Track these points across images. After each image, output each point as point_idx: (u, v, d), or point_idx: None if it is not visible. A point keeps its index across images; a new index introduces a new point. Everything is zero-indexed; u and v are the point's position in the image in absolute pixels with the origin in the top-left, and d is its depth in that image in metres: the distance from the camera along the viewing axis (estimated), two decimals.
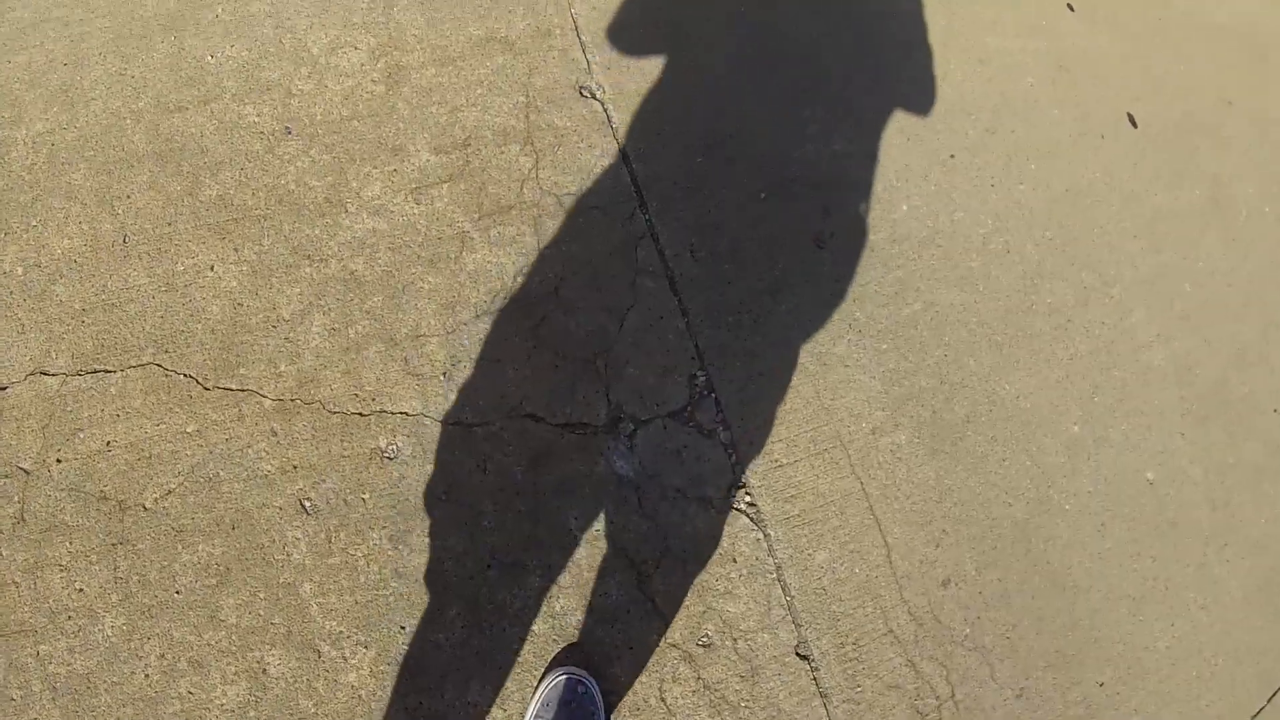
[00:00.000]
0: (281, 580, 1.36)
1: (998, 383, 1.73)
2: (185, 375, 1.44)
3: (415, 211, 1.59)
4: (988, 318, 1.78)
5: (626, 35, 1.79)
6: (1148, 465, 1.79)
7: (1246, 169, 2.18)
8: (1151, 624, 1.66)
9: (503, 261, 1.57)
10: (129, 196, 1.57)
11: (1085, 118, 2.08)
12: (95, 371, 1.43)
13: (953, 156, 1.91)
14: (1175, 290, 1.96)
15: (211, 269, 1.53)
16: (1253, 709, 1.68)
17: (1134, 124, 2.15)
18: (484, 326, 1.52)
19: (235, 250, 1.54)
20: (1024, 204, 1.93)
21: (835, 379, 1.63)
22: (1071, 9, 2.22)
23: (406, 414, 1.46)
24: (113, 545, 1.35)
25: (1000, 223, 1.89)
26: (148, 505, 1.37)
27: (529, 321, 1.54)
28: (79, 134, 1.60)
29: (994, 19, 2.10)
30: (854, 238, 1.75)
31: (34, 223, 1.54)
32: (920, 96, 1.94)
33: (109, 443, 1.39)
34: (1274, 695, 1.70)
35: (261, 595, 1.35)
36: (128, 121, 1.62)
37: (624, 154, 1.69)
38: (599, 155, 1.68)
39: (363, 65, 1.68)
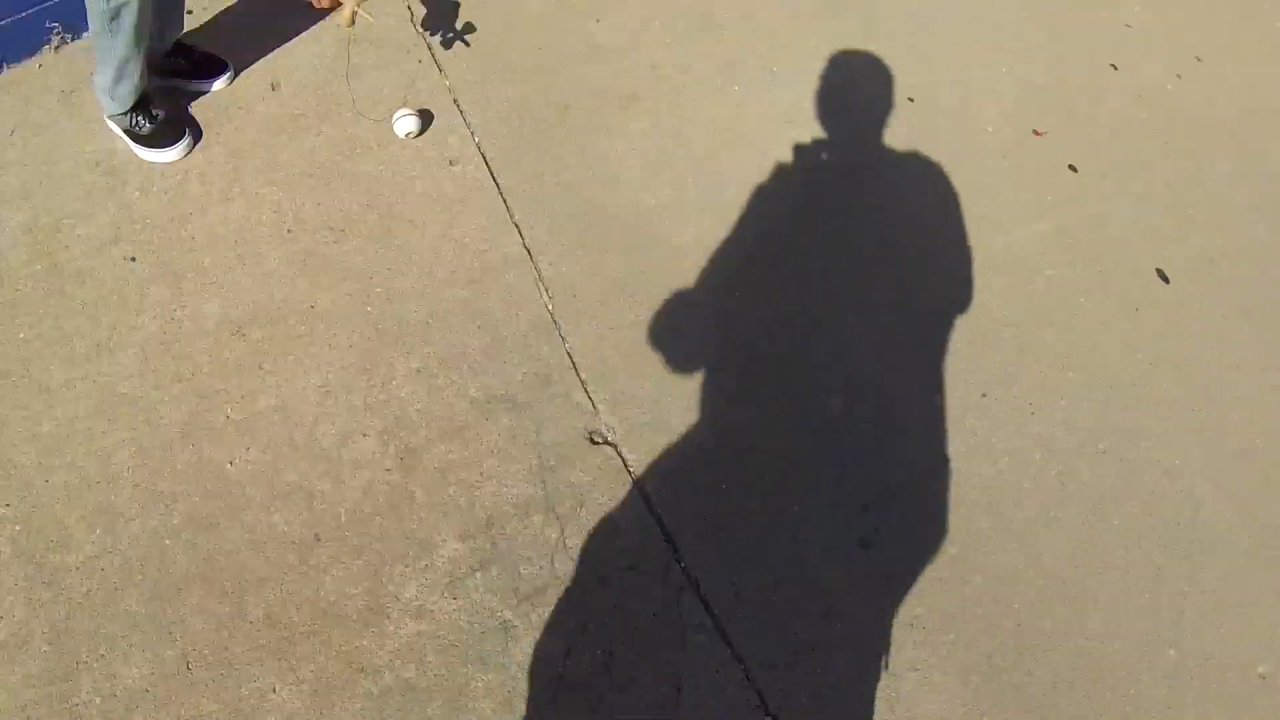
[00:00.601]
0: None
1: (1078, 634, 1.70)
2: None
3: (454, 607, 1.62)
4: (1053, 567, 1.74)
5: (625, 361, 1.76)
6: (1256, 659, 1.76)
7: None
8: None
9: (551, 649, 1.61)
10: (183, 621, 1.63)
11: (1114, 292, 1.98)
12: None
13: (984, 395, 1.85)
14: (1244, 463, 1.88)
15: (274, 690, 1.60)
16: None
17: (1165, 279, 2.04)
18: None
19: (293, 670, 1.60)
20: (1070, 421, 1.86)
21: (908, 688, 1.63)
22: (1074, 169, 2.10)
23: None
24: None
25: (1048, 452, 1.83)
26: None
27: (588, 711, 1.58)
28: (124, 558, 1.67)
29: (993, 216, 2.00)
30: (900, 528, 1.72)
31: (101, 651, 1.62)
32: (937, 334, 1.88)
33: None
34: None
35: None
36: (167, 542, 1.67)
37: (646, 499, 1.68)
38: (622, 508, 1.68)
39: (374, 454, 1.69)
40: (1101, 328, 1.97)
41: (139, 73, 1.79)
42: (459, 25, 2.10)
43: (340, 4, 1.52)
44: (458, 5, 2.16)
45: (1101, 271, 2.03)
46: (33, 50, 2.18)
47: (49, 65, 2.18)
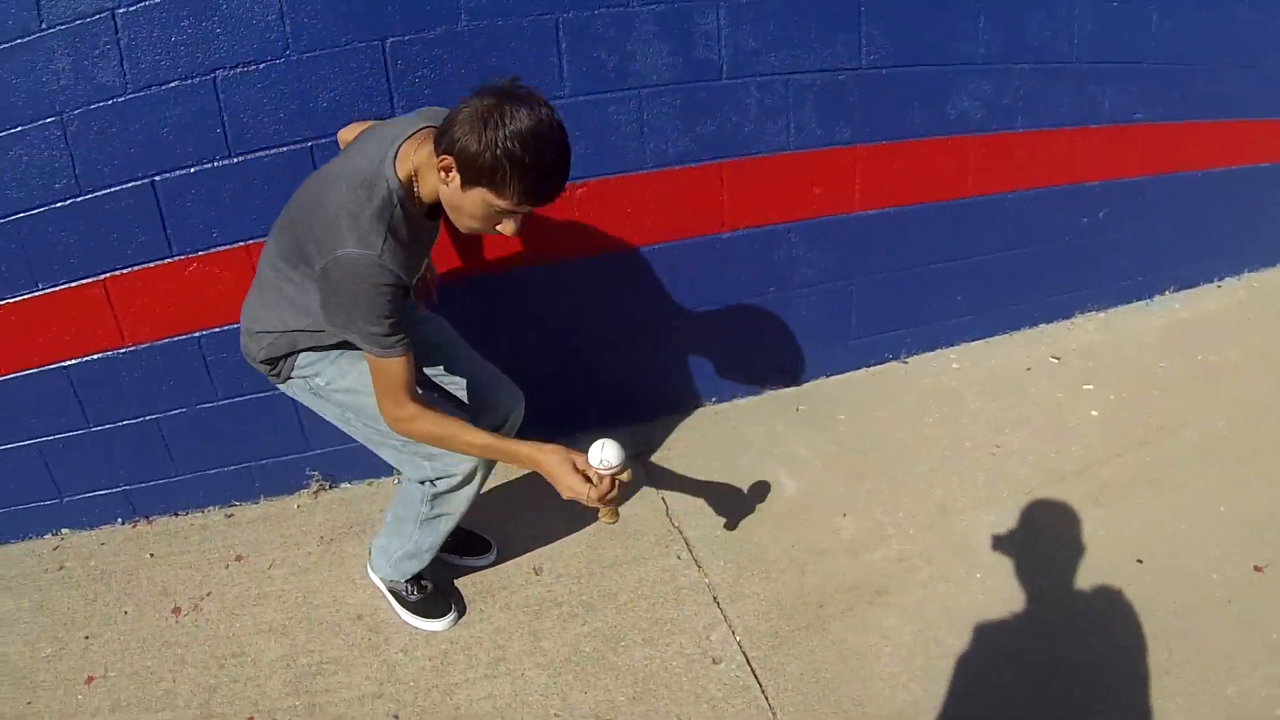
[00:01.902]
0: None
1: None
2: None
3: None
4: None
5: None
6: None
7: None
8: None
9: None
10: None
11: None
12: None
13: None
14: None
15: None
16: None
17: None
18: None
19: None
20: None
21: None
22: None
23: None
24: None
25: None
26: None
27: None
28: None
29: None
30: None
31: None
32: None
33: None
34: None
35: None
36: None
37: None
38: None
39: None
40: None
41: (431, 559, 1.90)
42: (712, 520, 2.22)
43: (608, 505, 1.57)
44: (711, 500, 2.29)
45: None
46: (291, 490, 2.38)
47: (307, 507, 2.36)
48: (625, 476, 1.57)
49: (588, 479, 1.50)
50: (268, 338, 1.66)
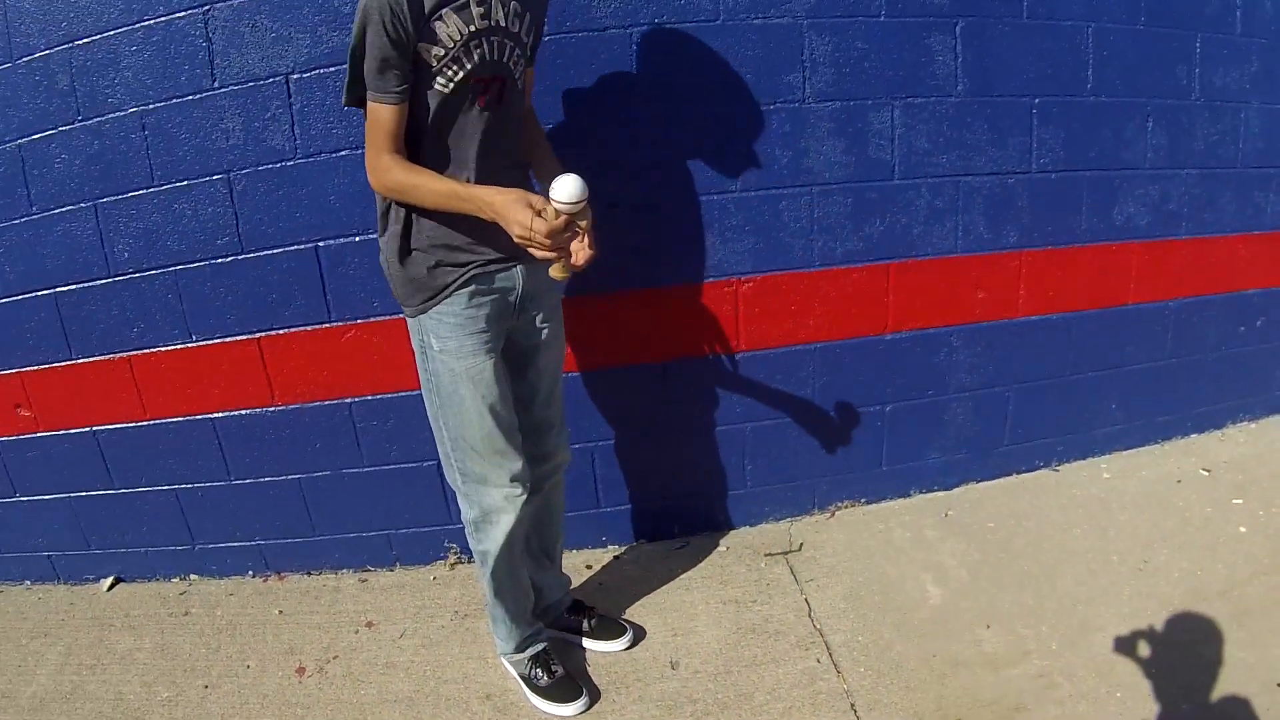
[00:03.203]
0: None
1: None
2: None
3: None
4: None
5: None
6: None
7: None
8: None
9: None
10: None
11: None
12: None
13: None
14: None
15: None
16: None
17: None
18: None
19: None
20: None
21: None
22: None
23: None
24: None
25: None
26: None
27: None
28: None
29: None
30: None
31: None
32: None
33: None
34: None
35: None
36: None
37: None
38: None
39: None
40: None
41: (511, 620, 1.90)
42: (855, 625, 2.16)
43: (559, 250, 1.42)
44: (854, 604, 2.24)
45: None
46: (428, 560, 2.38)
47: (443, 579, 2.36)
48: (584, 223, 1.43)
49: (540, 216, 1.37)
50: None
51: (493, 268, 1.63)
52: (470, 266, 1.59)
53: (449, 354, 1.63)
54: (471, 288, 1.60)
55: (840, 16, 2.10)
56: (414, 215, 1.57)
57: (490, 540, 1.77)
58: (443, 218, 1.56)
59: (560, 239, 1.40)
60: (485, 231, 1.54)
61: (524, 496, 1.75)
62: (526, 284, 1.69)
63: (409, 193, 1.49)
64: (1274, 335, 2.93)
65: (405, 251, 1.59)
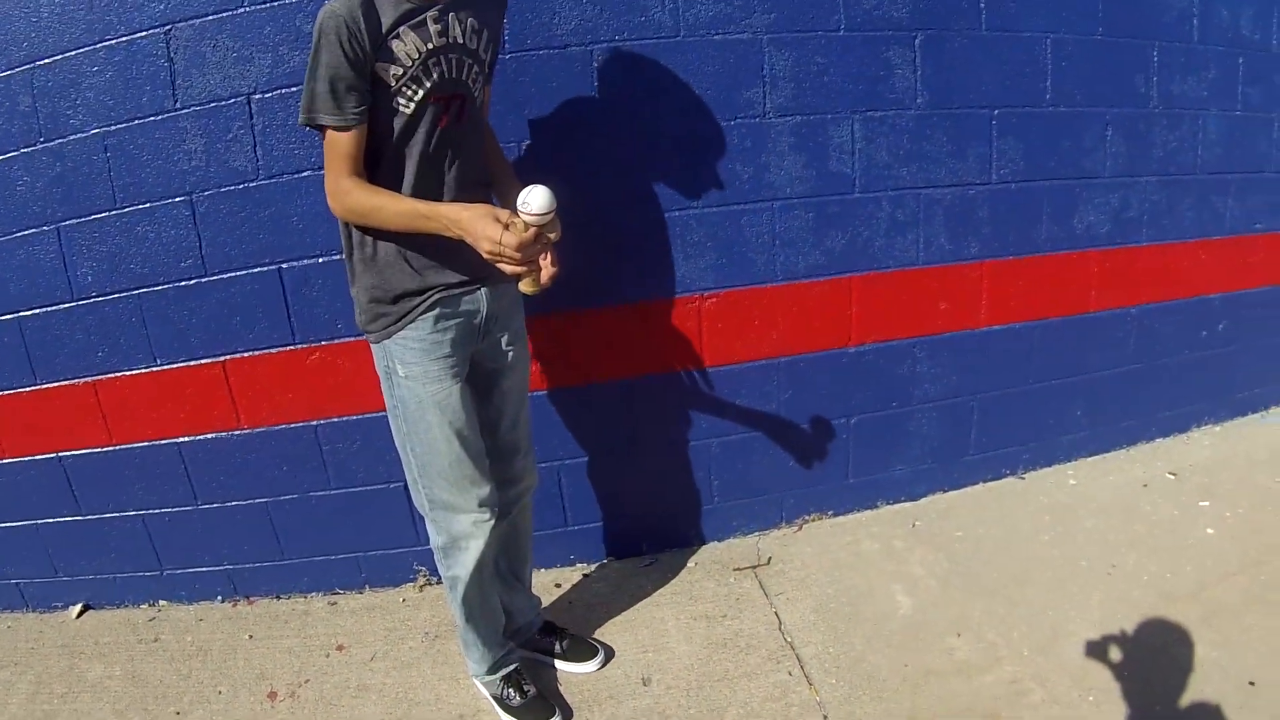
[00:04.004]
0: None
1: None
2: None
3: None
4: None
5: None
6: None
7: None
8: None
9: None
10: None
11: None
12: None
13: None
14: None
15: None
16: None
17: None
18: None
19: None
20: None
21: None
22: None
23: None
24: None
25: None
26: None
27: None
28: None
29: None
30: None
31: None
32: None
33: None
34: None
35: None
36: None
37: None
38: None
39: None
40: None
41: (483, 644, 1.89)
42: (825, 637, 2.17)
43: (528, 263, 1.41)
44: (824, 616, 2.24)
45: None
46: (397, 582, 2.38)
47: (413, 602, 2.35)
48: (553, 235, 1.41)
49: (508, 229, 1.35)
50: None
51: (457, 290, 1.62)
52: (434, 291, 1.58)
53: (414, 380, 1.61)
54: (436, 311, 1.59)
55: (800, 31, 2.11)
56: (376, 240, 1.56)
57: (460, 566, 1.77)
58: (405, 240, 1.55)
59: (530, 252, 1.39)
60: (449, 253, 1.54)
61: (492, 522, 1.75)
62: (491, 306, 1.68)
63: (371, 215, 1.47)
64: (1236, 339, 2.96)
65: (367, 276, 1.58)
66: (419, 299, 1.59)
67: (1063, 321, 2.62)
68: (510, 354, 1.77)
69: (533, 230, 1.37)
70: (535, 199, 1.36)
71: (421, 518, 2.17)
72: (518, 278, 1.45)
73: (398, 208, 1.45)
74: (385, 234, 1.54)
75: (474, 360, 1.74)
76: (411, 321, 1.58)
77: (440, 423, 1.64)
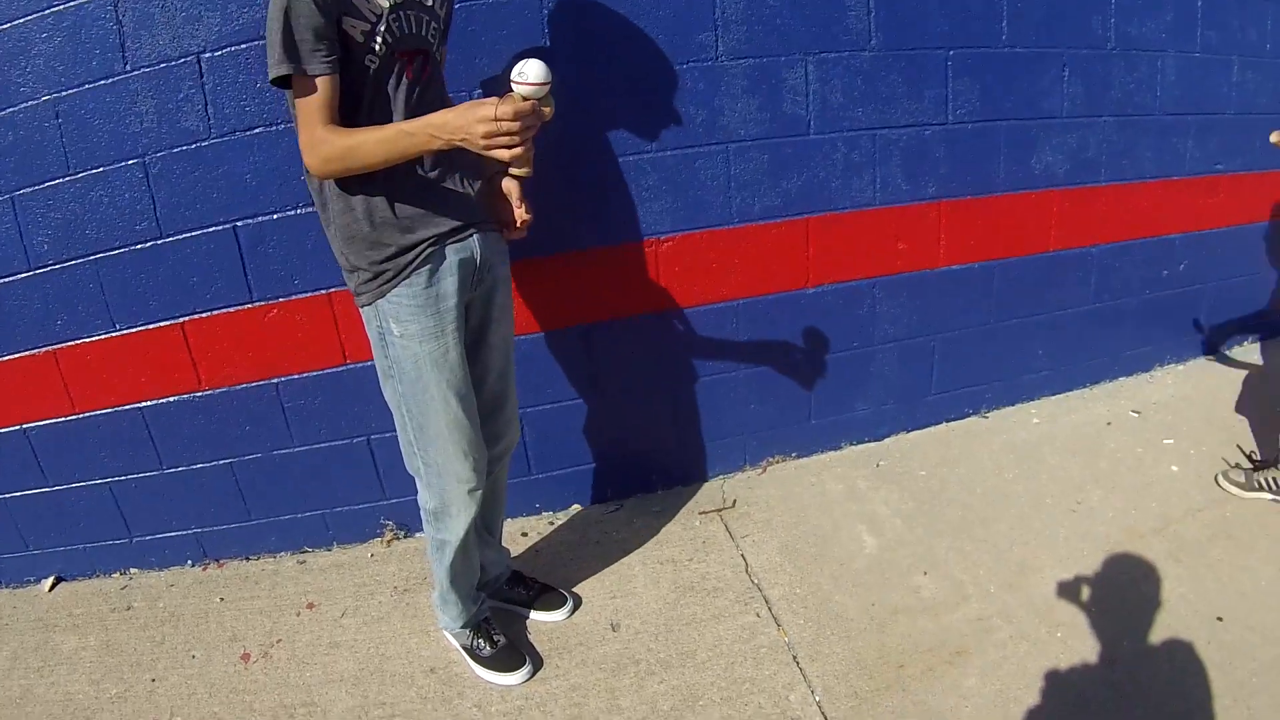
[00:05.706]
0: None
1: None
2: None
3: None
4: None
5: None
6: None
7: None
8: None
9: None
10: None
11: None
12: None
13: None
14: None
15: None
16: None
17: None
18: None
19: None
20: None
21: None
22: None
23: None
24: None
25: None
26: None
27: None
28: None
29: None
30: None
31: None
32: None
33: None
34: None
35: None
36: None
37: None
38: None
39: None
40: None
41: (462, 602, 1.90)
42: (792, 578, 2.19)
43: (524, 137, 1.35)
44: (791, 557, 2.26)
45: None
46: (364, 538, 2.38)
47: (380, 557, 2.36)
48: (548, 110, 1.37)
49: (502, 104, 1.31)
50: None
51: (450, 239, 1.59)
52: (425, 244, 1.54)
53: (411, 338, 1.58)
54: (430, 265, 1.55)
55: None
56: (359, 197, 1.52)
57: (448, 531, 1.77)
58: (389, 190, 1.52)
59: (528, 126, 1.33)
60: (435, 201, 1.53)
61: (481, 490, 1.75)
62: (484, 250, 1.66)
63: (351, 155, 1.40)
64: (1198, 279, 2.99)
65: (355, 242, 1.54)
66: (410, 253, 1.54)
67: (1023, 261, 2.64)
68: (496, 304, 1.76)
69: (530, 102, 1.32)
70: (531, 69, 1.31)
71: (387, 472, 2.18)
72: (514, 163, 1.39)
73: (378, 135, 1.40)
74: (368, 185, 1.49)
75: (465, 313, 1.71)
76: (406, 278, 1.55)
77: (438, 381, 1.62)
